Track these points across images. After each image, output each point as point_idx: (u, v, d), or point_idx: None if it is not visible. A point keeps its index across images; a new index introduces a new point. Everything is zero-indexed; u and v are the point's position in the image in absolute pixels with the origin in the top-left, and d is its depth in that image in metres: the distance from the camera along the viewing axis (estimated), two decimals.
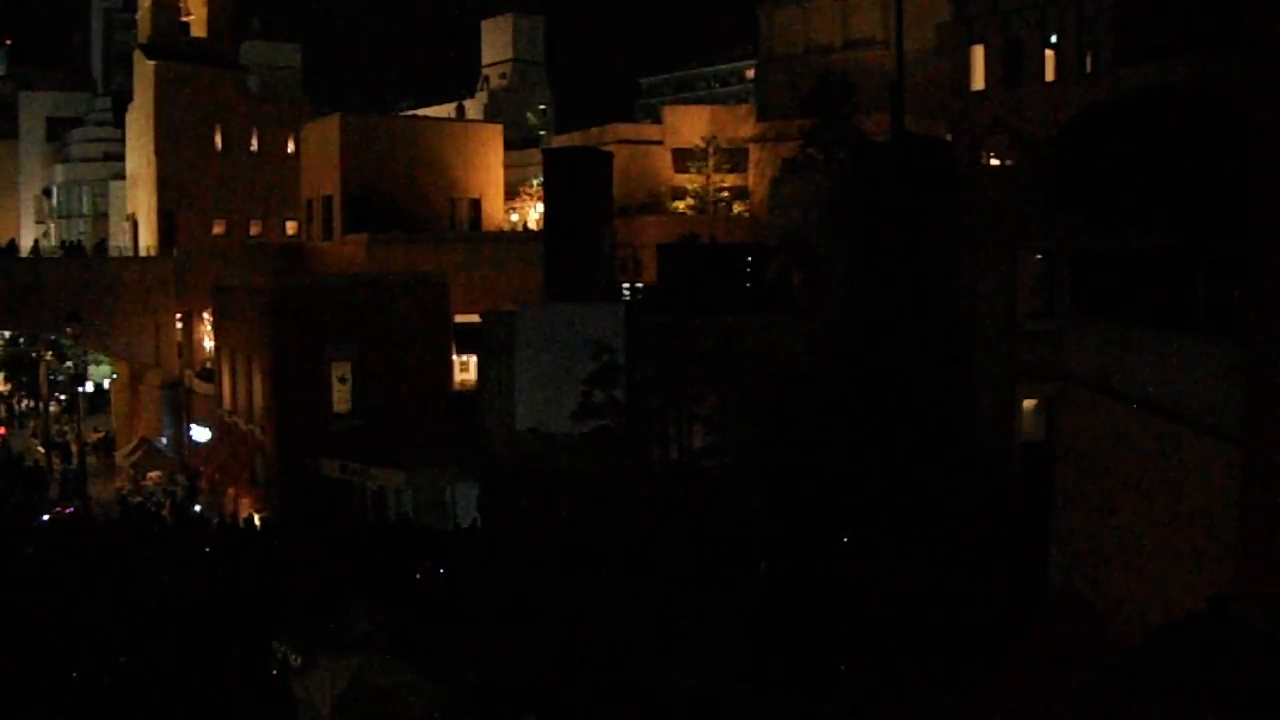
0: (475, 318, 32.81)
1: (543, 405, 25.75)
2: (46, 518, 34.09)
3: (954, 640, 16.72)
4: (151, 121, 57.65)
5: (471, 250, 46.21)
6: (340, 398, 36.55)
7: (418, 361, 37.31)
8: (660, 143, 53.05)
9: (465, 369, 40.74)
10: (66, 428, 53.50)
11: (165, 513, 36.40)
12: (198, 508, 38.53)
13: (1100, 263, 16.36)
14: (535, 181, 51.56)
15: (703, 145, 51.50)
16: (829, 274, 27.24)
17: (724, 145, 51.65)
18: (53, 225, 78.89)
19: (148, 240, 58.88)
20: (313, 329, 36.16)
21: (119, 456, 48.57)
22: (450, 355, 39.67)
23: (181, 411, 47.21)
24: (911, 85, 34.28)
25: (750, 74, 78.60)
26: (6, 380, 69.73)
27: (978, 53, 37.54)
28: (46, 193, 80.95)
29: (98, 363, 60.66)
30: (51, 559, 26.31)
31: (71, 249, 58.04)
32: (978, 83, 37.58)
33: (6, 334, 66.68)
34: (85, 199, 76.95)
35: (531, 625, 19.08)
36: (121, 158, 69.16)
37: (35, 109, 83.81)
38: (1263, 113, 9.74)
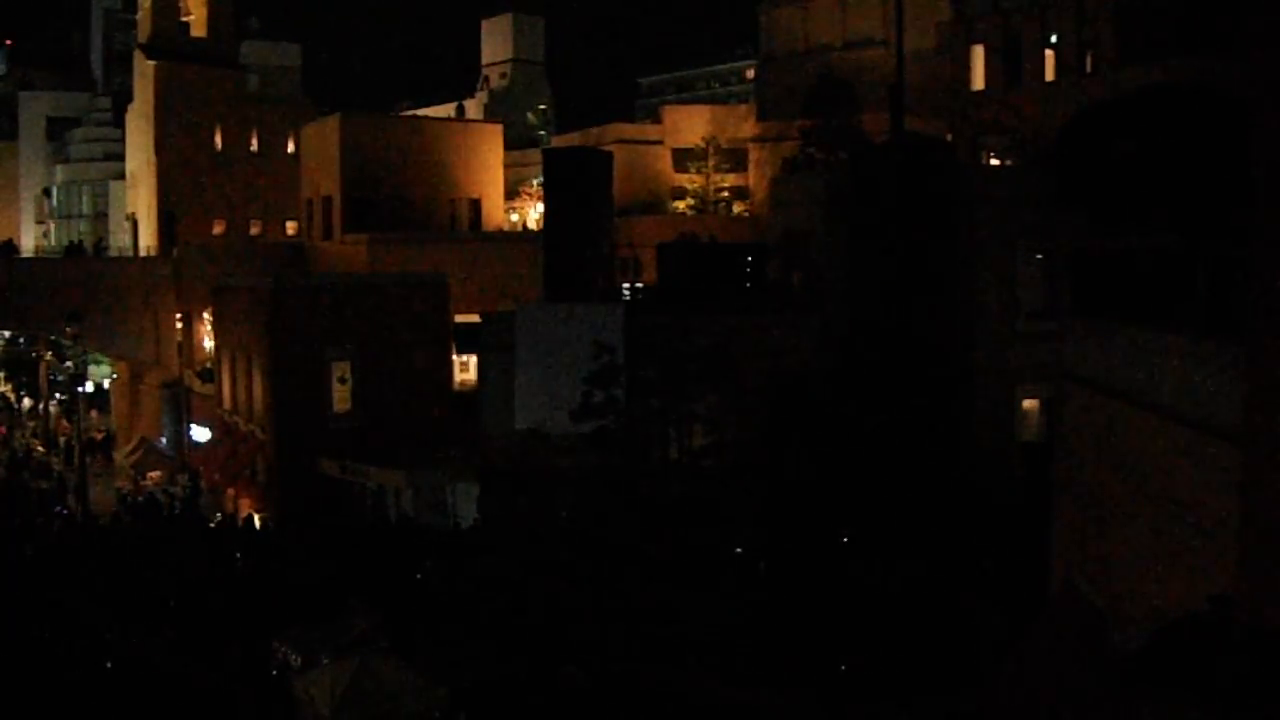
0: (475, 318, 32.79)
1: (543, 405, 25.73)
2: (45, 519, 34.09)
3: (954, 640, 16.73)
4: (151, 121, 57.70)
5: (471, 250, 46.21)
6: (340, 398, 36.58)
7: (418, 361, 37.33)
8: (660, 143, 53.04)
9: (465, 369, 40.74)
10: (56, 428, 53.52)
11: (165, 513, 36.45)
12: (199, 509, 38.53)
13: (1100, 263, 16.33)
14: (535, 181, 51.58)
15: (703, 145, 51.50)
16: (829, 274, 27.23)
17: (724, 145, 51.66)
18: (53, 225, 78.84)
19: (148, 240, 58.95)
20: (313, 329, 36.18)
21: (119, 456, 48.57)
22: (450, 355, 39.67)
23: (181, 411, 47.19)
24: (911, 85, 34.27)
25: (750, 74, 78.68)
26: (6, 380, 69.73)
27: (978, 53, 37.48)
28: (46, 193, 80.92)
29: (98, 363, 60.64)
30: (52, 558, 26.32)
31: (71, 249, 58.01)
32: (978, 83, 37.54)
33: (6, 334, 66.67)
34: (85, 199, 76.88)
35: (531, 625, 19.08)
36: (121, 158, 69.22)
37: (35, 109, 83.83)
38: (1263, 113, 9.73)
